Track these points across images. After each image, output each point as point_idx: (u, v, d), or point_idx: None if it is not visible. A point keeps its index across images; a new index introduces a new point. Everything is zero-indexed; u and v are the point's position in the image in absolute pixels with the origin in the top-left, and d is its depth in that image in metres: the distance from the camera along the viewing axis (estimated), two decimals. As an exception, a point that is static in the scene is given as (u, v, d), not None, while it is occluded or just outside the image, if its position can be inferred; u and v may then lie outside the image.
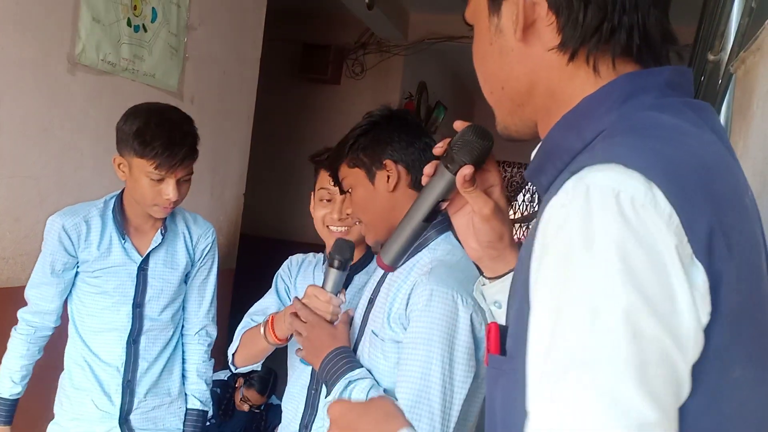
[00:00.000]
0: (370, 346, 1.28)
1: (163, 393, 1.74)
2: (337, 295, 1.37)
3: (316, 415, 1.55)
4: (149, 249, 1.76)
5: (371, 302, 1.34)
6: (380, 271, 1.37)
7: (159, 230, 1.77)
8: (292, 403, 1.59)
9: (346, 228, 1.55)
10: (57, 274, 1.74)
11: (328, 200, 1.57)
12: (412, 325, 1.21)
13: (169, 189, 1.66)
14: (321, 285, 1.38)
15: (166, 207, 1.66)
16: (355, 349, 1.33)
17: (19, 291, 2.63)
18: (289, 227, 5.44)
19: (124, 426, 1.72)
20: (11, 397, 1.73)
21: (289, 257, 1.76)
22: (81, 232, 1.73)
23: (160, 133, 1.63)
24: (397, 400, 1.20)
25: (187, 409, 1.81)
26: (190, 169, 1.73)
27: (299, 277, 1.67)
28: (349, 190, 1.39)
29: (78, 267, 1.75)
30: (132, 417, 1.73)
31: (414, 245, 0.98)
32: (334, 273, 1.36)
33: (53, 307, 1.76)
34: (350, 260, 1.38)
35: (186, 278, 1.86)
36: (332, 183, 1.48)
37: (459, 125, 0.93)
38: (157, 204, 1.67)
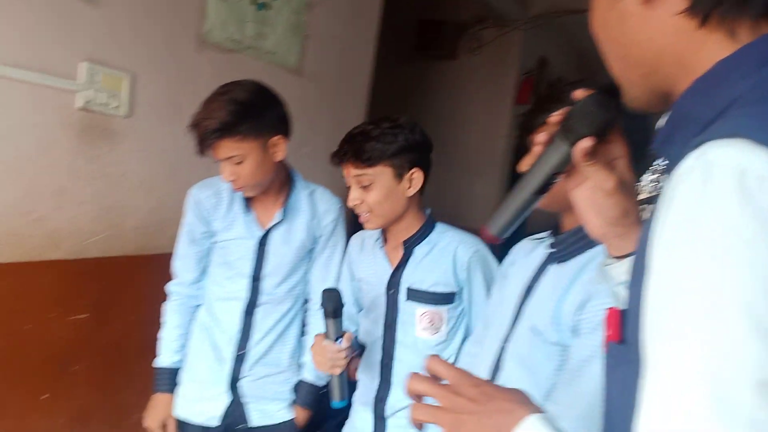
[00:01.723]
0: (530, 344, 1.20)
1: (272, 363, 1.78)
2: (338, 341, 1.47)
3: (390, 389, 1.56)
4: (270, 225, 1.79)
5: (529, 292, 1.24)
6: (535, 256, 1.28)
7: (281, 207, 1.80)
8: (367, 375, 1.64)
9: (367, 213, 1.57)
10: (196, 242, 1.83)
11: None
12: (591, 337, 1.12)
13: (222, 169, 1.68)
14: (325, 336, 1.49)
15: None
16: (507, 341, 1.24)
17: (150, 259, 2.80)
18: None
19: (233, 391, 1.79)
20: (171, 366, 1.84)
21: (352, 236, 1.79)
22: (212, 203, 1.81)
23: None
24: (555, 404, 1.13)
25: (299, 381, 1.85)
26: (233, 150, 1.65)
27: (362, 254, 1.70)
28: (369, 184, 1.52)
29: (212, 237, 1.83)
30: (241, 383, 1.79)
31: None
32: (330, 322, 1.48)
33: (194, 276, 1.85)
34: (341, 307, 1.49)
35: (309, 253, 1.89)
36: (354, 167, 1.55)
37: (580, 94, 0.86)
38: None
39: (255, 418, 1.79)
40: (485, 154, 5.52)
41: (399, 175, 1.54)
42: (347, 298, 1.73)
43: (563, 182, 0.88)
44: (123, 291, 2.80)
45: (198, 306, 1.86)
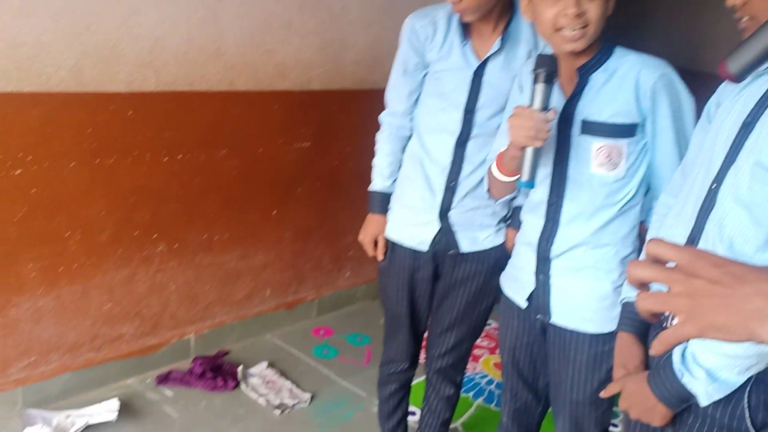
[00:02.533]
0: (752, 181, 1.07)
1: (481, 197, 1.78)
2: (546, 110, 1.32)
3: (557, 229, 1.49)
4: (487, 54, 1.73)
5: (748, 127, 1.09)
6: (752, 90, 1.11)
7: (500, 35, 1.72)
8: (532, 215, 1.55)
9: (583, 28, 1.35)
10: (408, 74, 1.85)
11: None
12: None
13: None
14: (528, 104, 1.34)
15: (572, 33, 1.36)
16: (720, 180, 1.11)
17: (365, 94, 2.91)
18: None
19: (443, 219, 1.85)
20: (383, 191, 1.96)
21: (521, 66, 1.65)
22: (428, 33, 1.78)
23: None
24: None
25: (514, 208, 1.86)
26: None
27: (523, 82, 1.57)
28: None
29: (426, 68, 1.83)
30: (450, 213, 1.84)
31: None
32: (540, 88, 1.33)
33: (404, 108, 1.88)
34: (555, 73, 1.33)
35: None
36: None
37: None
38: (561, 28, 1.36)
39: (464, 245, 1.85)
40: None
41: None
42: None
43: None
44: (340, 123, 2.98)
45: (409, 136, 1.91)
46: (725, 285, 0.58)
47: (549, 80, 1.33)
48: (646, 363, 1.24)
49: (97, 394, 2.43)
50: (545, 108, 1.33)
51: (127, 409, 2.35)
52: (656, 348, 0.63)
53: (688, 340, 0.62)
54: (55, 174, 2.18)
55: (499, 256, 1.78)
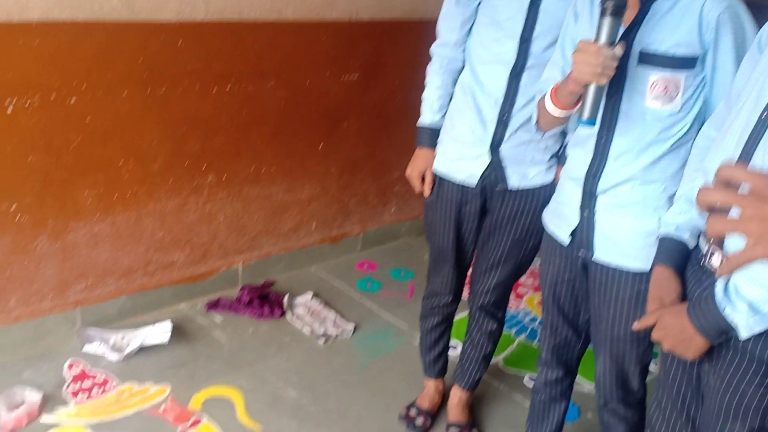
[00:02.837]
0: None
1: (534, 130, 1.76)
2: (613, 46, 1.25)
3: (605, 164, 1.44)
4: None
5: None
6: None
7: None
8: (579, 150, 1.50)
9: None
10: (461, 3, 1.79)
11: None
12: None
13: None
14: (594, 39, 1.27)
15: None
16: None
17: (416, 25, 2.85)
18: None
19: (493, 153, 1.82)
20: (432, 125, 1.93)
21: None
22: None
23: None
24: None
25: (565, 144, 1.82)
26: None
27: (590, 10, 1.47)
28: None
29: None
30: (502, 147, 1.81)
31: None
32: (608, 21, 1.26)
33: (456, 38, 1.83)
34: (625, 5, 1.26)
35: None
36: None
37: None
38: None
39: (513, 180, 1.83)
40: None
41: None
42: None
43: None
44: (389, 55, 2.93)
45: (461, 68, 1.87)
46: None
47: (617, 13, 1.26)
48: (682, 297, 1.23)
49: (150, 317, 2.54)
50: (612, 43, 1.26)
51: (178, 332, 2.45)
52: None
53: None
54: (108, 103, 2.22)
55: (549, 195, 1.75)
